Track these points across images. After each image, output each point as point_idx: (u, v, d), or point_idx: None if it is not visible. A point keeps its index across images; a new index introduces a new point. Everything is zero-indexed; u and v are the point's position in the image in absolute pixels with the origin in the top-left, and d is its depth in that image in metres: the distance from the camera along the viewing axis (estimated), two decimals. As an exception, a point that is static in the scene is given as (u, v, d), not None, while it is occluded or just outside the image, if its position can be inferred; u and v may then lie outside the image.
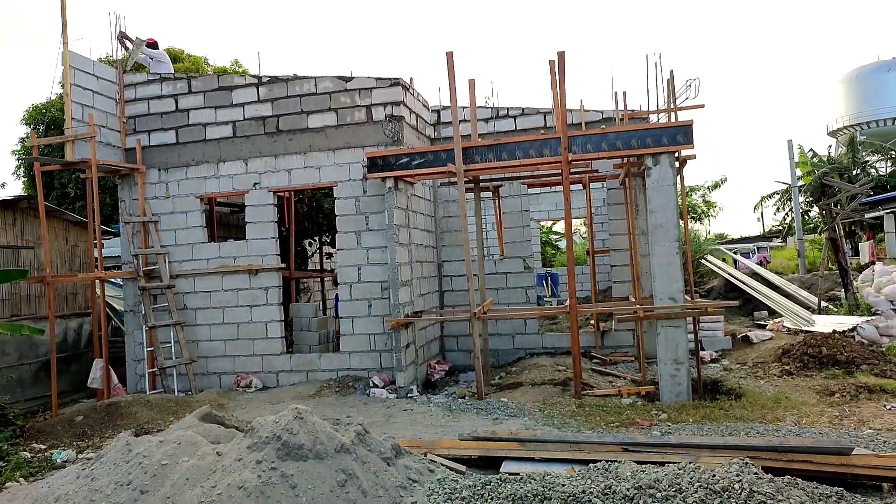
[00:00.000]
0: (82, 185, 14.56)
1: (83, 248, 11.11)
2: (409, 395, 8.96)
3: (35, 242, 10.24)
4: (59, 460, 6.84)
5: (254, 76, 10.47)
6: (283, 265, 10.59)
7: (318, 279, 14.83)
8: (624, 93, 10.36)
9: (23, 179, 17.44)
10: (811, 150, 28.11)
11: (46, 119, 16.43)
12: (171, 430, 5.90)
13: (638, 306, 8.56)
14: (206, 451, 4.73)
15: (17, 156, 17.51)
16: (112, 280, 11.10)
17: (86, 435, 7.77)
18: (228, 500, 4.00)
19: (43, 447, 7.45)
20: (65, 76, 9.63)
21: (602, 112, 11.23)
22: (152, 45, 11.38)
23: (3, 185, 16.81)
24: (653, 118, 10.55)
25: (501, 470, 5.06)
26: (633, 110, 10.73)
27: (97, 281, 9.90)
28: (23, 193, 13.88)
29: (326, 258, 14.77)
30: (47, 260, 9.44)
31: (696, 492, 3.35)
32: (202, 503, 4.07)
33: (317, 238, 14.18)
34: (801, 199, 25.43)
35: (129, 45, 10.99)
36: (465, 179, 9.22)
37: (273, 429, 4.52)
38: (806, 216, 27.87)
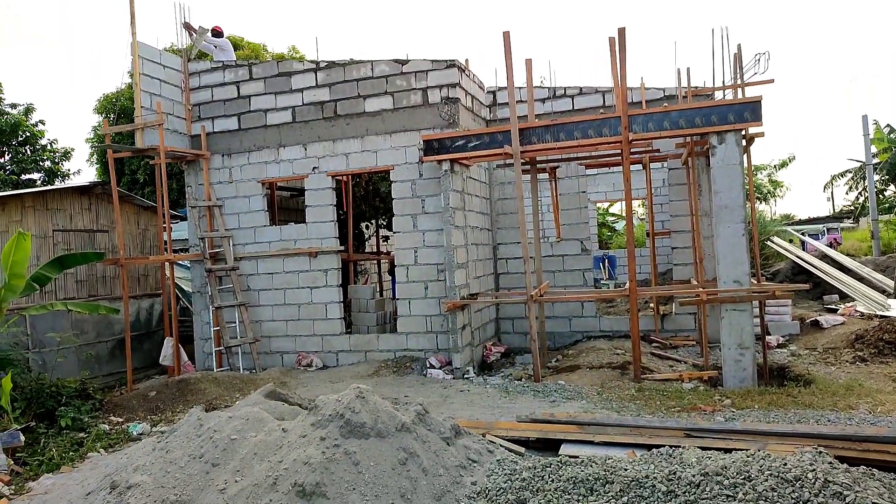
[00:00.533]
0: (151, 172, 15.18)
1: (153, 232, 11.60)
2: (465, 376, 9.02)
3: (109, 226, 10.74)
4: (134, 433, 7.22)
5: (311, 62, 10.61)
6: (342, 248, 10.78)
7: (376, 261, 15.04)
8: (688, 69, 10.00)
9: (96, 166, 18.31)
10: (888, 125, 26.53)
11: (117, 108, 17.14)
12: (238, 406, 6.13)
13: (701, 290, 8.32)
14: (272, 427, 4.90)
15: (90, 143, 18.38)
16: (180, 262, 11.56)
17: (159, 409, 8.17)
18: (294, 475, 4.14)
19: (120, 420, 7.88)
20: (133, 66, 10.00)
21: (664, 90, 10.88)
22: (218, 33, 11.68)
23: (78, 171, 17.64)
24: (718, 95, 10.15)
25: (560, 452, 5.05)
26: (696, 87, 10.35)
27: (167, 263, 10.33)
28: (97, 180, 14.55)
29: (383, 241, 14.95)
30: (121, 243, 9.90)
31: (766, 480, 3.25)
32: (269, 476, 4.22)
33: (374, 221, 14.35)
34: (876, 177, 24.11)
35: (193, 34, 11.31)
36: (522, 161, 9.12)
37: (336, 407, 4.63)
38: (881, 195, 26.42)
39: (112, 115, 16.91)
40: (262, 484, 4.21)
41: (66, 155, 18.80)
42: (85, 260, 8.82)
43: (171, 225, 11.50)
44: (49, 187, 11.04)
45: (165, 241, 10.69)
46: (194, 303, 11.12)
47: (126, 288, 9.77)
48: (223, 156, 10.92)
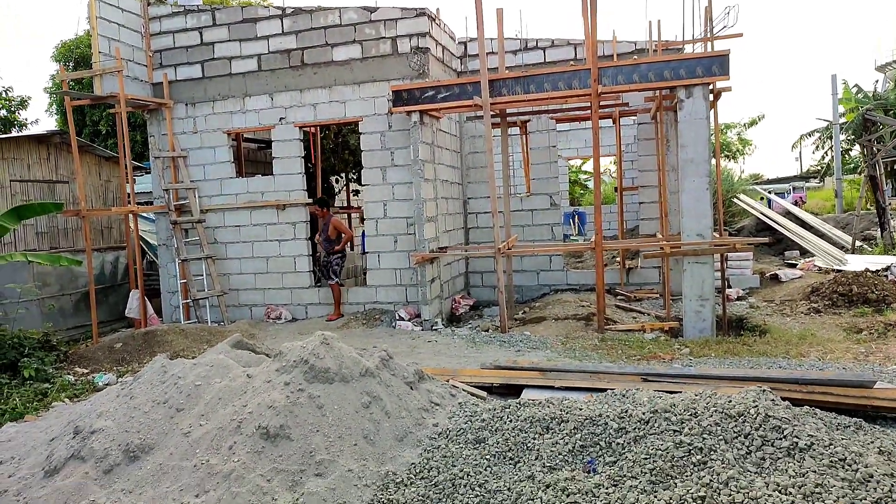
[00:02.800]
0: (113, 122, 14.73)
1: (116, 184, 11.34)
2: (433, 327, 9.13)
3: (69, 177, 10.47)
4: (100, 383, 7.21)
5: (278, 8, 10.29)
6: (311, 200, 10.68)
7: (346, 215, 14.96)
8: (658, 22, 9.95)
9: (55, 117, 17.70)
10: (856, 85, 26.83)
11: (76, 55, 16.50)
12: (204, 354, 6.14)
13: (665, 242, 8.48)
14: (237, 373, 4.93)
15: (48, 93, 17.72)
16: (145, 214, 11.35)
17: (125, 361, 8.14)
18: (258, 418, 4.19)
19: (85, 371, 7.84)
20: (90, 8, 9.59)
21: (635, 43, 10.83)
22: None
23: (36, 121, 17.02)
24: (688, 49, 10.16)
25: (521, 397, 5.18)
26: (667, 41, 10.32)
27: (130, 215, 10.13)
28: (56, 129, 14.09)
29: (353, 195, 14.83)
30: (82, 194, 9.67)
31: (711, 416, 3.40)
32: (233, 420, 4.27)
33: (343, 174, 14.21)
34: (843, 137, 24.53)
35: None
36: (492, 113, 9.07)
37: (301, 353, 4.67)
38: (846, 155, 26.92)
39: (71, 63, 16.28)
40: (226, 427, 4.26)
41: (23, 103, 18.09)
42: (43, 210, 8.60)
43: (135, 177, 11.26)
44: (5, 136, 10.64)
45: (129, 193, 10.46)
46: (160, 256, 10.98)
47: (89, 240, 9.59)
48: (187, 105, 10.64)
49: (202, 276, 10.34)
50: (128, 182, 10.28)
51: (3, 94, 17.69)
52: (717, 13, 9.58)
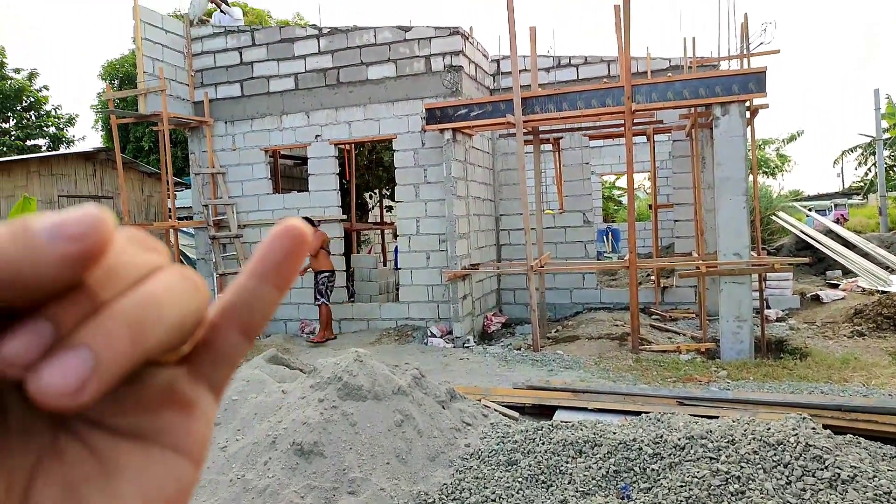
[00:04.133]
0: (156, 139, 15.20)
1: (157, 199, 11.67)
2: (465, 345, 9.13)
3: (113, 192, 10.82)
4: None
5: (314, 27, 10.52)
6: (345, 217, 10.83)
7: (379, 231, 15.10)
8: (693, 39, 9.92)
9: (101, 133, 18.32)
10: (901, 99, 26.15)
11: (121, 74, 17.09)
12: (240, 369, 6.25)
13: (701, 262, 8.35)
14: (272, 388, 5.01)
15: (94, 110, 18.38)
16: (185, 229, 11.65)
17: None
18: (293, 434, 4.25)
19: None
20: (136, 31, 9.95)
21: (669, 60, 10.76)
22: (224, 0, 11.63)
23: (83, 138, 17.67)
24: (724, 65, 10.05)
25: (554, 418, 5.15)
26: (702, 57, 10.24)
27: (171, 229, 10.41)
28: (101, 146, 14.59)
29: (386, 210, 14.98)
30: (125, 209, 9.98)
31: (749, 443, 3.33)
32: (269, 436, 4.34)
33: (377, 190, 14.37)
34: (886, 152, 23.86)
35: (220, 5, 11.32)
36: (525, 131, 9.09)
37: (334, 370, 4.73)
38: (890, 171, 26.17)
39: (116, 81, 16.87)
40: (261, 442, 4.33)
41: (71, 121, 18.80)
42: (89, 225, 8.89)
43: (176, 192, 11.57)
44: (53, 153, 11.08)
45: (170, 208, 10.75)
46: (199, 270, 11.23)
47: (131, 254, 9.86)
48: (226, 123, 10.92)
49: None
50: (169, 197, 10.58)
51: (53, 113, 18.39)
52: (753, 29, 9.47)
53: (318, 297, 9.79)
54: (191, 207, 11.62)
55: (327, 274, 9.79)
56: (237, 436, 4.50)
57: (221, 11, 11.39)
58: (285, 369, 6.33)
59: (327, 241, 9.82)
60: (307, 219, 10.15)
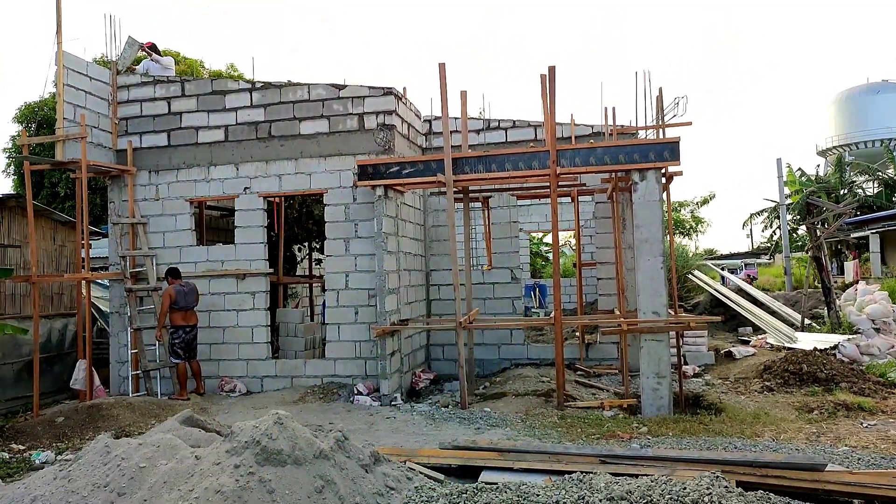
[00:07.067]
0: (72, 185, 14.51)
1: (71, 249, 11.07)
2: (392, 403, 8.97)
3: (22, 241, 10.20)
4: (37, 461, 6.81)
5: (248, 81, 10.53)
6: (272, 270, 10.61)
7: (307, 285, 14.84)
8: (613, 108, 10.49)
9: (12, 178, 17.34)
10: (799, 168, 28.51)
11: (38, 118, 16.37)
12: (151, 432, 5.90)
13: (622, 320, 8.63)
14: (184, 454, 4.74)
15: (7, 153, 17.43)
16: (99, 281, 11.07)
17: (66, 436, 7.73)
18: (205, 504, 4.01)
19: (22, 448, 7.41)
20: (58, 76, 9.63)
21: (592, 126, 11.35)
22: (151, 47, 11.44)
23: (-8, 182, 16.67)
24: (641, 134, 10.68)
25: (480, 479, 5.09)
26: (622, 125, 10.86)
27: (83, 282, 9.86)
28: (11, 192, 13.81)
29: (315, 264, 14.78)
30: (34, 259, 9.41)
31: (666, 503, 3.41)
32: (179, 506, 4.08)
33: (306, 244, 14.19)
34: (789, 217, 25.71)
35: (150, 54, 11.20)
36: (455, 190, 9.28)
37: (253, 433, 4.53)
38: (794, 234, 28.17)
39: (33, 125, 16.14)
40: (169, 514, 4.06)
41: (-21, 164, 17.73)
42: (-8, 276, 8.33)
43: (91, 242, 11.03)
44: (-44, 198, 10.38)
45: (84, 259, 10.21)
46: (112, 324, 10.64)
47: (37, 307, 9.26)
48: (150, 172, 10.61)
49: (154, 346, 10.02)
50: (83, 247, 10.06)
51: (-41, 154, 17.31)
52: (667, 101, 10.16)
53: (171, 356, 9.63)
54: (107, 258, 11.08)
55: (174, 330, 9.55)
56: (144, 507, 4.20)
57: (152, 60, 11.21)
58: (201, 432, 6.00)
59: (174, 297, 9.45)
60: (169, 269, 9.72)
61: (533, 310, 17.39)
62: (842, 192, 26.90)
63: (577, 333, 11.74)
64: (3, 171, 17.78)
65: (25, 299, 10.16)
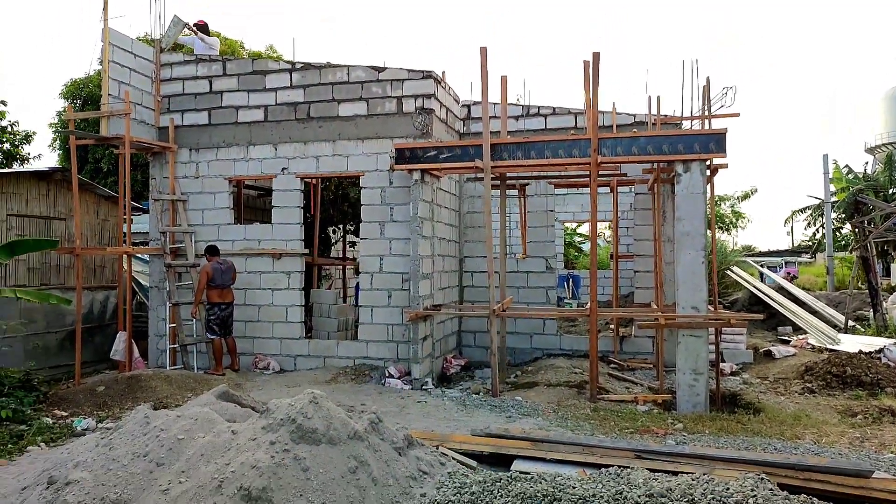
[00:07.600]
0: (115, 161, 14.80)
1: (113, 223, 11.30)
2: (423, 387, 8.98)
3: (67, 214, 10.44)
4: (79, 428, 7.00)
5: (287, 62, 10.54)
6: (307, 251, 10.67)
7: (341, 267, 14.92)
8: (658, 97, 10.22)
9: (58, 153, 17.79)
10: (846, 165, 27.54)
11: (84, 94, 16.71)
12: (188, 405, 5.99)
13: (660, 314, 8.46)
14: (221, 428, 4.79)
15: (53, 129, 17.86)
16: (139, 255, 11.29)
17: (106, 405, 7.94)
18: (241, 478, 4.05)
19: (64, 414, 7.62)
20: (104, 53, 9.78)
21: (634, 115, 11.09)
22: (203, 27, 11.54)
23: (39, 156, 17.09)
24: (686, 124, 10.41)
25: (512, 468, 5.05)
26: (666, 115, 10.59)
27: (125, 255, 10.07)
28: (57, 165, 14.14)
29: (349, 246, 14.84)
30: (78, 232, 9.62)
31: (708, 503, 3.31)
32: (215, 479, 4.12)
33: (341, 226, 14.25)
34: (834, 215, 24.92)
35: (197, 34, 11.30)
36: (492, 176, 9.18)
37: (288, 411, 4.56)
38: (837, 233, 27.32)
39: (78, 101, 16.49)
40: (206, 486, 4.11)
41: (27, 138, 18.19)
42: (38, 247, 8.54)
43: (133, 217, 11.23)
44: (6, 171, 10.66)
45: (125, 233, 10.41)
46: (151, 298, 10.86)
47: (80, 278, 9.49)
48: (191, 150, 10.74)
49: (192, 321, 10.20)
50: (125, 222, 10.26)
51: (9, 129, 17.81)
52: (715, 91, 9.86)
53: (208, 332, 9.81)
54: (147, 233, 11.29)
55: (210, 307, 9.73)
56: (181, 478, 4.27)
57: (201, 40, 11.33)
58: (236, 407, 6.08)
59: (211, 274, 9.62)
60: (209, 247, 9.86)
61: (566, 301, 17.22)
62: (891, 191, 25.93)
63: (612, 326, 11.57)
64: (50, 146, 18.25)
65: (69, 271, 10.43)
